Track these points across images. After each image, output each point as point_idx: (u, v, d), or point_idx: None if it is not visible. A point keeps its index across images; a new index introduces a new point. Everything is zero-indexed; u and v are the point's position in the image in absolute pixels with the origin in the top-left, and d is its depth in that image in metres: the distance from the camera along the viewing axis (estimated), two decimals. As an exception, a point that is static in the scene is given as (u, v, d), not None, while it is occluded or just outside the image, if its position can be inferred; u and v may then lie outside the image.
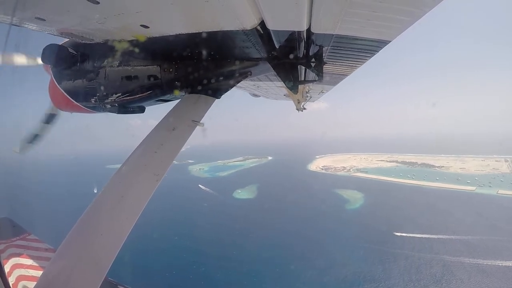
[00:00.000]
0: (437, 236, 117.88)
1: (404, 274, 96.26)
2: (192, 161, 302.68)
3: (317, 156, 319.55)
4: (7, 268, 8.57)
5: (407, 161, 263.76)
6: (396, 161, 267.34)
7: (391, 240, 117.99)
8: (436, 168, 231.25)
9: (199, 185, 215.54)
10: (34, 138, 8.94)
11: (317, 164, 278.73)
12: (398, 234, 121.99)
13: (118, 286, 11.06)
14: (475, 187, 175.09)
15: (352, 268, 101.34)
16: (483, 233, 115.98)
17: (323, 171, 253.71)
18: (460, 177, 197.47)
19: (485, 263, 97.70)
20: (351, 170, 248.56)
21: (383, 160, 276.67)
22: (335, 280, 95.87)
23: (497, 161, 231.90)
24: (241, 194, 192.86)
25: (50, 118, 8.57)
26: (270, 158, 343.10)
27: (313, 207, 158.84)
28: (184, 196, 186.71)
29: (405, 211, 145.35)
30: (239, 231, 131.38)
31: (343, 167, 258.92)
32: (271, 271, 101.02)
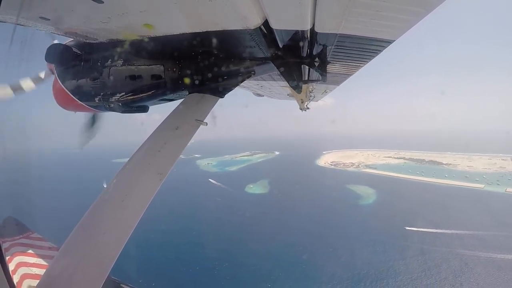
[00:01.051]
0: (451, 231, 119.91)
1: (424, 266, 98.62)
2: (199, 155, 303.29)
3: (324, 152, 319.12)
4: (11, 266, 8.63)
5: (415, 158, 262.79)
6: (404, 158, 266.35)
7: (412, 235, 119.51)
8: (444, 166, 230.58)
9: (209, 179, 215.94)
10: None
11: (326, 160, 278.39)
12: (415, 229, 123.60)
13: (121, 285, 11.12)
14: (483, 185, 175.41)
15: (375, 259, 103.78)
16: (496, 229, 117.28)
17: (333, 166, 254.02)
18: (468, 174, 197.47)
19: (499, 257, 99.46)
20: (360, 166, 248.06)
21: (391, 157, 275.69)
22: (360, 269, 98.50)
23: (503, 159, 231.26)
24: (254, 189, 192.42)
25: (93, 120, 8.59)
26: (277, 153, 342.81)
27: (329, 203, 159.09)
28: (197, 190, 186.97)
29: (418, 207, 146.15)
30: (258, 226, 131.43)
31: (352, 163, 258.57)
32: (297, 267, 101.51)
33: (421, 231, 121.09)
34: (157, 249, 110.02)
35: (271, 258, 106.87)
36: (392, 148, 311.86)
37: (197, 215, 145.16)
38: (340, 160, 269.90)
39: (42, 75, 8.25)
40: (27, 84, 8.12)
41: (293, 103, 18.40)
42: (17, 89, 7.88)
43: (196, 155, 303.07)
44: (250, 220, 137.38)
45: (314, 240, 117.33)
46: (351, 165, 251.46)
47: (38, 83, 8.31)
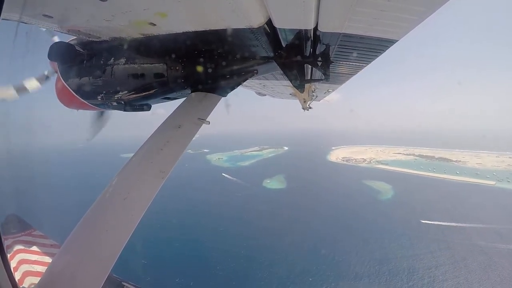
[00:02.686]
0: (470, 224, 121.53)
1: (452, 259, 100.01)
2: (208, 150, 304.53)
3: (333, 147, 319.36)
4: (13, 264, 8.66)
5: (424, 154, 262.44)
6: (414, 155, 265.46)
7: (437, 228, 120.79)
8: (454, 162, 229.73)
9: (223, 174, 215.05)
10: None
11: (337, 155, 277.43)
12: (433, 222, 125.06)
13: (123, 283, 11.14)
14: (494, 182, 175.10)
15: (406, 253, 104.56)
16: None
17: (345, 162, 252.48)
18: (478, 171, 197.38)
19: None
20: (371, 162, 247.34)
21: (400, 153, 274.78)
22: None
23: (511, 157, 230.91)
24: (271, 184, 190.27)
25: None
26: (286, 148, 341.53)
27: (350, 198, 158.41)
28: (213, 186, 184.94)
29: (437, 202, 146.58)
30: (288, 222, 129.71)
31: (363, 159, 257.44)
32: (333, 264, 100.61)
33: (444, 225, 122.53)
34: (200, 246, 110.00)
35: (308, 252, 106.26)
36: (400, 144, 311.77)
37: (223, 212, 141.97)
38: (351, 156, 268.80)
39: (46, 73, 8.23)
40: (31, 83, 8.06)
41: (295, 101, 18.38)
42: (21, 89, 7.80)
43: (205, 150, 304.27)
44: (277, 216, 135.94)
45: (347, 234, 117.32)
46: (363, 161, 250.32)
47: (43, 82, 8.26)
